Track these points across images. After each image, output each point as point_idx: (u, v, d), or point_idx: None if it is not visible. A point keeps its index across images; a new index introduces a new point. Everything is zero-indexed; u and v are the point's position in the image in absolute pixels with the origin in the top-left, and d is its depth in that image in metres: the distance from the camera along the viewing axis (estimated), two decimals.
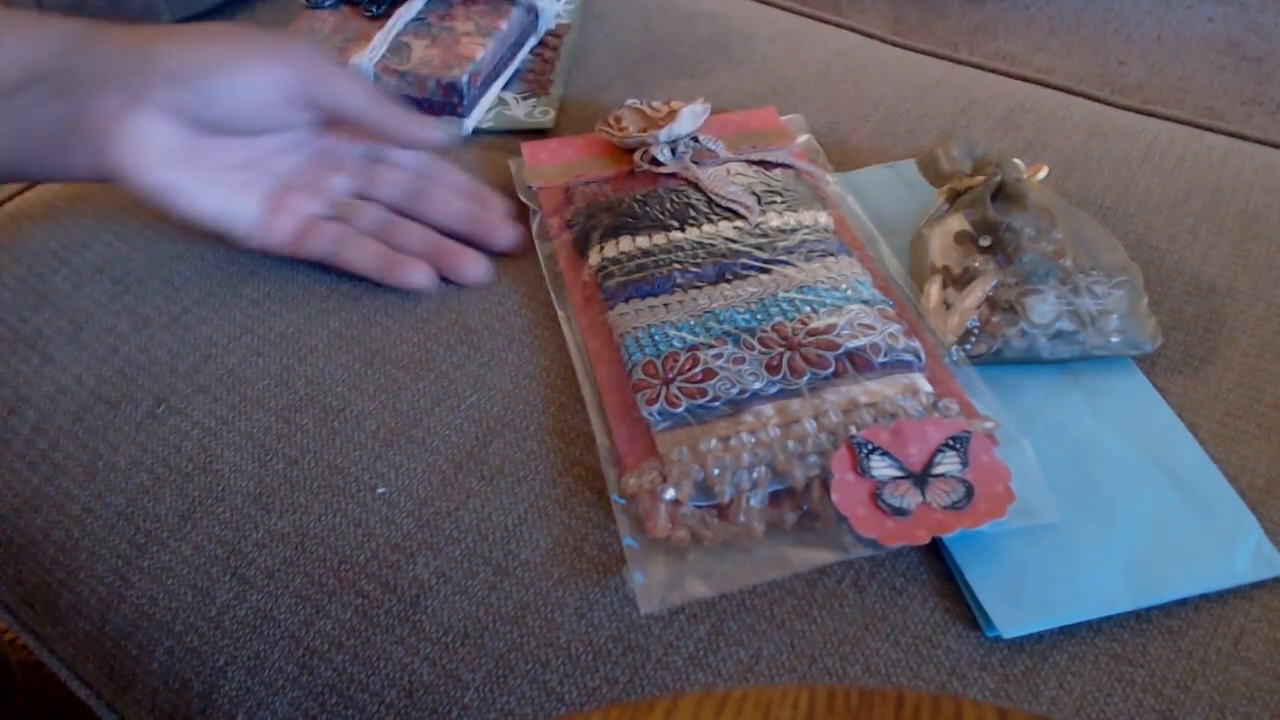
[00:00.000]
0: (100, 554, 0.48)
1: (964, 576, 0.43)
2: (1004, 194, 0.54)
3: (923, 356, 0.48)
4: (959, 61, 0.75)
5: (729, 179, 0.58)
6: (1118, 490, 0.45)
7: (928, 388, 0.48)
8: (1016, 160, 0.56)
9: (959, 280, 0.52)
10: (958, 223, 0.53)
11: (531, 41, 0.71)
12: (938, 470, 0.44)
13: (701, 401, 0.46)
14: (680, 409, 0.46)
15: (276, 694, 0.43)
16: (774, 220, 0.55)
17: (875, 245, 0.56)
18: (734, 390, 0.46)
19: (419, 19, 0.67)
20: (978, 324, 0.50)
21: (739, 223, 0.55)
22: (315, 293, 0.56)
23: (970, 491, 0.44)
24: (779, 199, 0.57)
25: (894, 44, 0.78)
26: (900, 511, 0.43)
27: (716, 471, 0.45)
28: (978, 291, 0.51)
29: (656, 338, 0.49)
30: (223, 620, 0.45)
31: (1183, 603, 0.42)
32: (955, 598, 0.43)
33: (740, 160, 0.60)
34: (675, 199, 0.57)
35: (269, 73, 0.46)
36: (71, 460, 0.51)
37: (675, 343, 0.49)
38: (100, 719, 0.48)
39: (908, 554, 0.44)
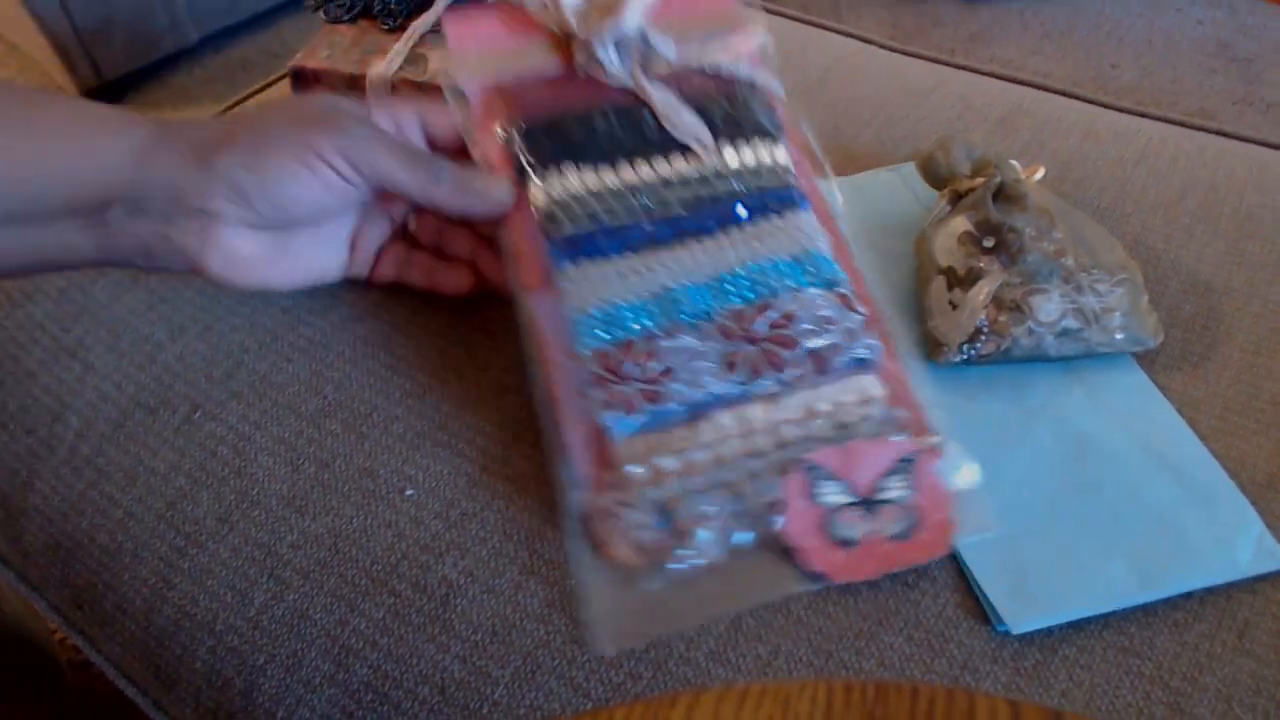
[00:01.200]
0: (143, 556, 0.48)
1: (973, 575, 0.42)
2: (1003, 195, 0.53)
3: (878, 352, 0.46)
4: (956, 66, 0.74)
5: (680, 104, 0.50)
6: (1121, 486, 0.45)
7: (880, 392, 0.45)
8: (1014, 162, 0.55)
9: (964, 280, 0.51)
10: (960, 224, 0.53)
11: None
12: (885, 495, 0.43)
13: (660, 406, 0.43)
14: (638, 415, 0.43)
15: (315, 691, 0.43)
16: (730, 158, 0.49)
17: (829, 183, 0.52)
18: (692, 394, 0.44)
19: (434, 31, 0.66)
20: (986, 323, 0.49)
21: (694, 161, 0.48)
22: (342, 300, 0.56)
23: (916, 519, 0.43)
24: (735, 126, 0.50)
25: (892, 50, 0.76)
26: (848, 542, 0.42)
27: (676, 492, 0.42)
28: (984, 291, 0.50)
29: (612, 319, 0.45)
30: (261, 620, 0.45)
31: (1188, 596, 0.41)
32: (967, 593, 0.42)
33: (692, 67, 0.51)
34: (625, 121, 0.49)
35: (320, 180, 0.45)
36: (113, 465, 0.50)
37: (632, 327, 0.45)
38: (146, 716, 0.48)
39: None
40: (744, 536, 0.42)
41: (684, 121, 0.49)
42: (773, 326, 0.45)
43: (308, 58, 0.63)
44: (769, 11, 0.82)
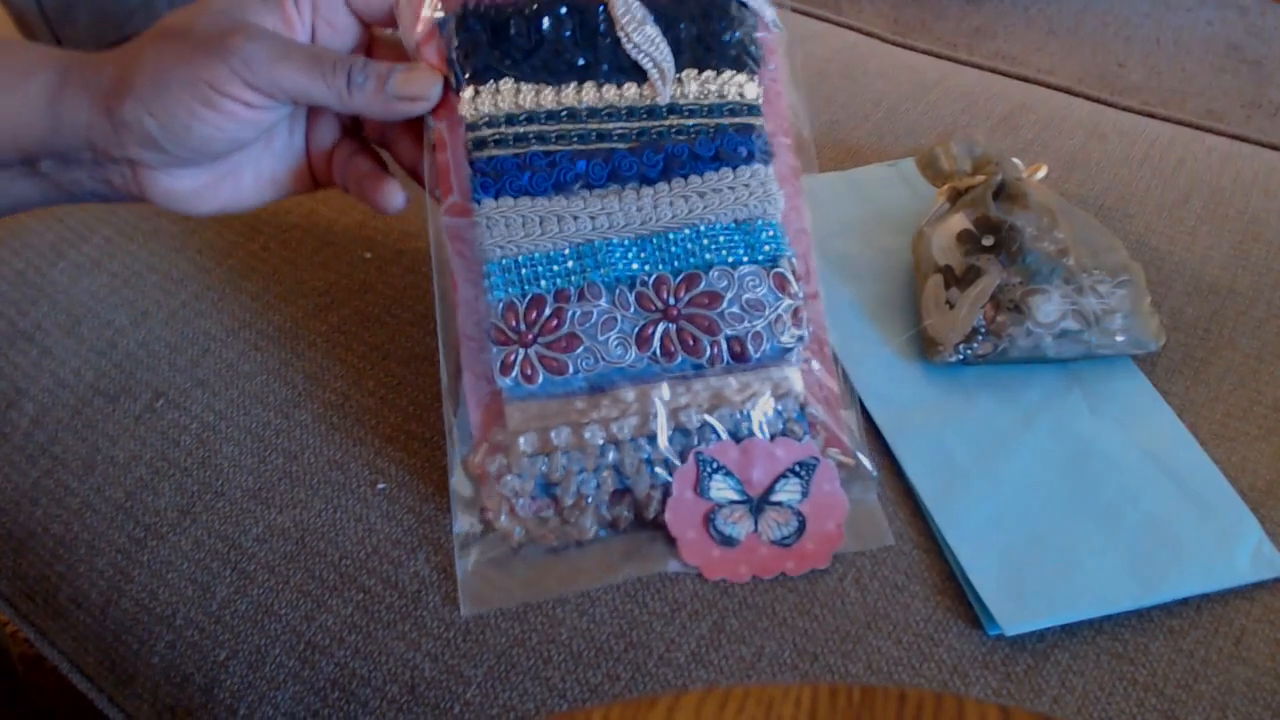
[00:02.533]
0: (100, 548, 0.48)
1: (966, 574, 0.43)
2: (1004, 193, 0.54)
3: (806, 339, 0.45)
4: (959, 61, 0.75)
5: (644, 14, 0.46)
6: (1119, 490, 0.45)
7: (798, 387, 0.45)
8: (1016, 160, 0.56)
9: (961, 279, 0.52)
10: (959, 222, 0.53)
11: None
12: (776, 497, 0.44)
13: (560, 378, 0.43)
14: (537, 383, 0.43)
15: (278, 688, 0.43)
16: (691, 87, 0.46)
17: (799, 121, 0.49)
18: (597, 366, 0.43)
19: None
20: (983, 323, 0.50)
21: (648, 89, 0.45)
22: (314, 288, 0.56)
23: (802, 526, 0.44)
24: (704, 49, 0.46)
25: (894, 43, 0.78)
26: (729, 540, 0.43)
27: (562, 468, 0.43)
28: (982, 290, 0.51)
29: (524, 270, 0.44)
30: (223, 615, 0.45)
31: (1184, 602, 0.42)
32: (957, 596, 0.43)
33: None
34: (579, 25, 0.45)
35: (225, 115, 0.43)
36: (70, 454, 0.51)
37: (544, 283, 0.43)
38: (101, 713, 0.48)
39: (909, 552, 0.44)
40: (625, 518, 0.44)
41: (643, 37, 0.45)
42: (693, 304, 0.44)
43: None
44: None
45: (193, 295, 0.56)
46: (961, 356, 0.50)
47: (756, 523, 0.44)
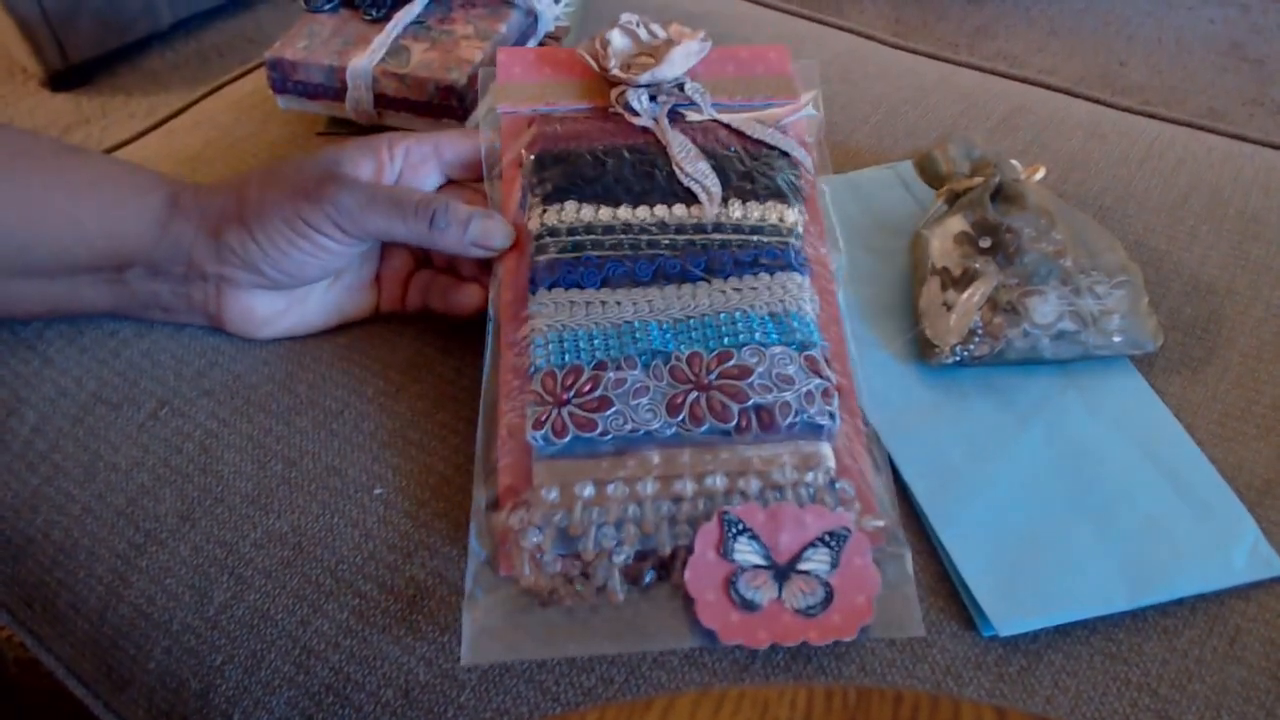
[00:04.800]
0: (99, 554, 0.48)
1: (961, 575, 0.43)
2: (1003, 195, 0.54)
3: (837, 420, 0.45)
4: (959, 63, 0.75)
5: (698, 154, 0.52)
6: (1115, 490, 0.46)
7: (830, 461, 0.44)
8: (1014, 161, 0.57)
9: (959, 281, 0.52)
10: (957, 223, 0.54)
11: (530, 44, 0.72)
12: (804, 566, 0.42)
13: (589, 435, 0.44)
14: (566, 439, 0.44)
15: (273, 693, 0.44)
16: (736, 211, 0.50)
17: (837, 255, 0.53)
18: (626, 428, 0.44)
19: (418, 22, 0.67)
20: (980, 325, 0.50)
21: (696, 211, 0.50)
22: None
23: (829, 597, 0.42)
24: (749, 184, 0.51)
25: (894, 45, 0.78)
26: (750, 605, 0.41)
27: (582, 521, 0.43)
28: (979, 292, 0.51)
29: (566, 343, 0.46)
30: (220, 620, 0.46)
31: (1179, 602, 0.42)
32: (951, 597, 0.43)
33: (723, 121, 0.54)
34: (638, 162, 0.52)
35: (317, 247, 0.49)
36: (71, 461, 0.51)
37: (583, 355, 0.46)
38: (97, 718, 0.48)
39: (905, 554, 0.44)
40: (645, 577, 0.43)
41: (694, 168, 0.52)
42: (724, 375, 0.45)
43: (285, 48, 0.64)
44: (769, 6, 0.83)
45: None
46: (959, 358, 0.50)
47: (781, 590, 0.42)
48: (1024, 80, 0.72)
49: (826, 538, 0.42)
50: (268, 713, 0.43)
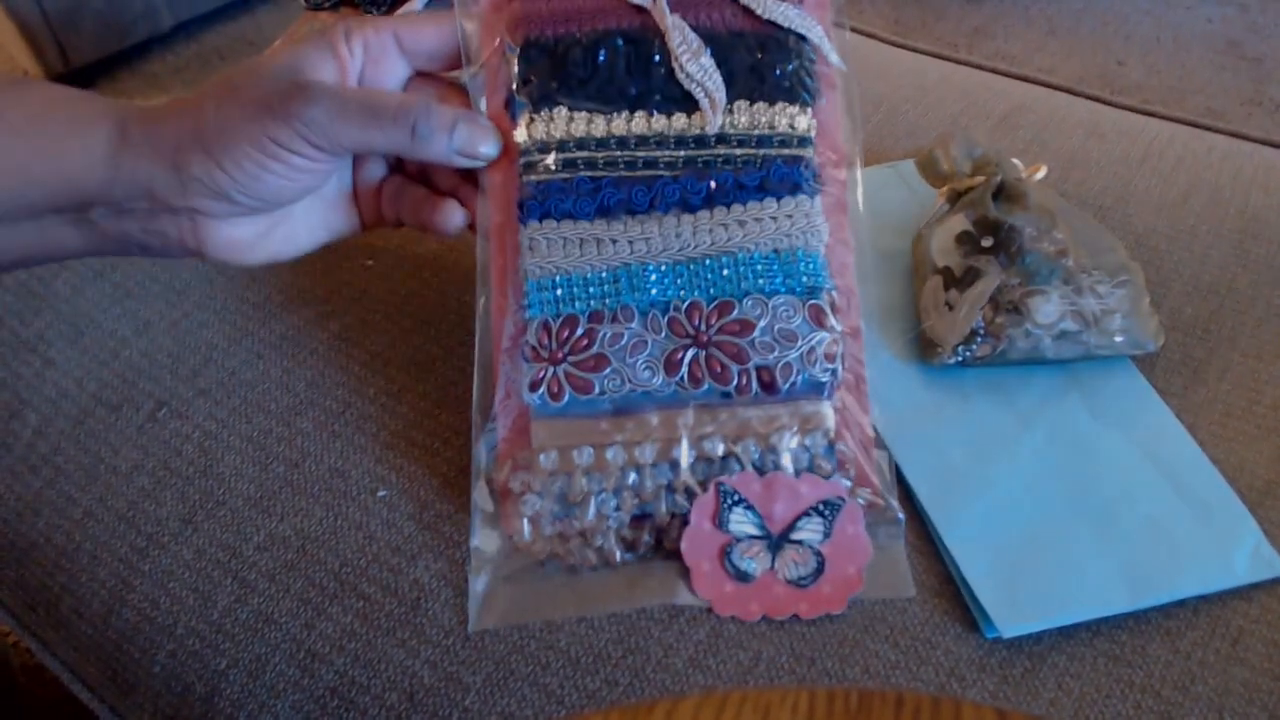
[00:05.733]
0: (102, 558, 0.48)
1: (964, 576, 0.43)
2: (1004, 194, 0.54)
3: (840, 375, 0.44)
4: (959, 62, 0.75)
5: (700, 45, 0.46)
6: (1116, 491, 0.46)
7: (830, 422, 0.44)
8: (1015, 160, 0.56)
9: (960, 281, 0.52)
10: (959, 223, 0.54)
11: None
12: (797, 536, 0.43)
13: (587, 397, 0.43)
14: (563, 402, 0.43)
15: (278, 697, 0.44)
16: (742, 117, 0.46)
17: (854, 172, 0.49)
18: (624, 389, 0.43)
19: None
20: (982, 324, 0.50)
21: (698, 118, 0.46)
22: (316, 296, 0.57)
23: (820, 567, 0.43)
24: (758, 81, 0.46)
25: (894, 44, 0.78)
26: (744, 576, 0.43)
27: (582, 489, 0.43)
28: (981, 292, 0.51)
29: (561, 290, 0.44)
30: (224, 623, 0.45)
31: (1181, 604, 0.42)
32: (954, 599, 0.43)
33: (732, 3, 0.47)
34: (634, 55, 0.46)
35: (290, 167, 0.44)
36: (73, 464, 0.51)
37: (578, 305, 0.44)
38: None
39: (906, 555, 0.44)
40: (642, 544, 0.43)
41: (696, 67, 0.46)
42: (724, 331, 0.44)
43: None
44: None
45: (195, 305, 0.57)
46: (960, 358, 0.50)
47: (774, 560, 0.43)
48: (1024, 79, 0.72)
49: (821, 507, 0.43)
50: (272, 716, 0.43)
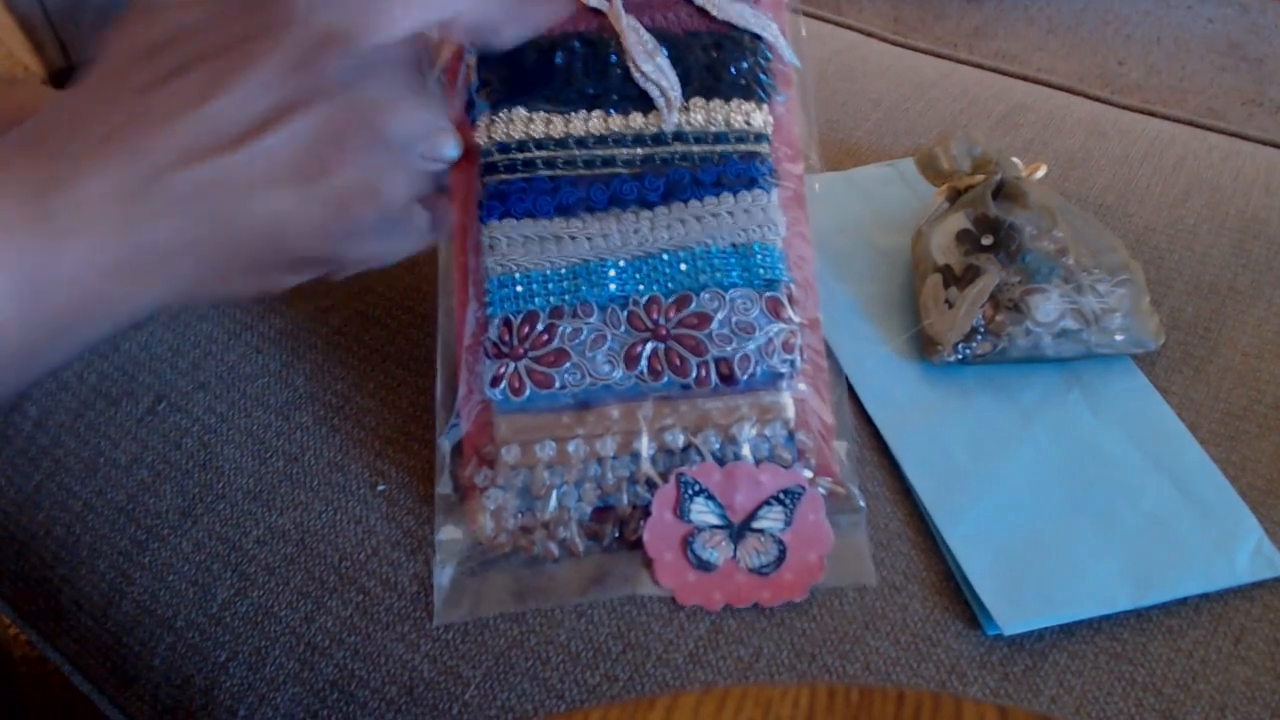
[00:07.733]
0: (101, 550, 0.48)
1: (965, 573, 0.43)
2: (1004, 192, 0.54)
3: (799, 365, 0.45)
4: (959, 61, 0.75)
5: (655, 45, 0.47)
6: (1118, 489, 0.45)
7: (789, 412, 0.44)
8: (1015, 159, 0.56)
9: (960, 279, 0.51)
10: (958, 221, 0.53)
11: None
12: (758, 524, 0.43)
13: (548, 391, 0.44)
14: (524, 396, 0.44)
15: (278, 690, 0.43)
16: (698, 115, 0.46)
17: (808, 148, 0.49)
18: (584, 383, 0.44)
19: None
20: (982, 323, 0.49)
21: (654, 117, 0.46)
22: (315, 290, 0.56)
23: (782, 555, 0.43)
24: (713, 79, 0.47)
25: (894, 43, 0.78)
26: (705, 565, 0.43)
27: (544, 482, 0.43)
28: (981, 290, 0.50)
29: (521, 287, 0.45)
30: (224, 616, 0.45)
31: (1183, 602, 0.42)
32: (955, 596, 0.43)
33: (688, 4, 0.48)
34: (590, 56, 0.47)
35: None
36: (72, 457, 0.51)
37: (539, 301, 0.44)
38: (103, 714, 0.48)
39: (907, 552, 0.44)
40: (607, 536, 0.44)
41: (651, 66, 0.46)
42: (683, 324, 0.44)
43: None
44: None
45: None
46: (960, 356, 0.50)
47: (736, 549, 0.43)
48: (1024, 78, 0.72)
49: (781, 495, 0.43)
50: (273, 709, 0.43)
